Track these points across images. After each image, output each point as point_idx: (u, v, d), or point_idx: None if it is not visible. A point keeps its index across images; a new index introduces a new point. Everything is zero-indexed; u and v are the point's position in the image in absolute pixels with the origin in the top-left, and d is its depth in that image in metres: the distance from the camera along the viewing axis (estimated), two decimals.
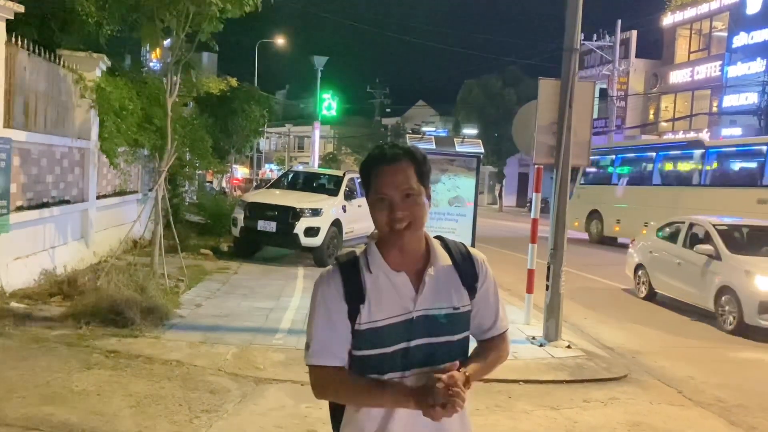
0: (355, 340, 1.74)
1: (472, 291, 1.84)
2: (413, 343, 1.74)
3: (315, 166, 30.08)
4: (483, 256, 1.91)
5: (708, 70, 30.73)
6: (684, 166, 17.71)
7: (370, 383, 1.73)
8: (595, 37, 34.83)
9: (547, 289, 7.55)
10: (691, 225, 10.27)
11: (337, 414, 1.88)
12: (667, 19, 33.94)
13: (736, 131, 27.70)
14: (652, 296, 11.00)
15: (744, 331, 8.62)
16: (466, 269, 1.84)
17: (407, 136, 9.81)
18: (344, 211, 12.76)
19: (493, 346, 1.93)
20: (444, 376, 1.65)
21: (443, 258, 1.82)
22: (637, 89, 34.82)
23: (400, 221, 1.72)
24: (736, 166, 16.47)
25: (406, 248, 1.78)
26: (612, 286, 12.71)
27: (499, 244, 18.44)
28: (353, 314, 1.73)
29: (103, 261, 9.20)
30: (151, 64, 17.51)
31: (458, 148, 8.89)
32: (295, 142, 66.60)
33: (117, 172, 10.69)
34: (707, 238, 9.55)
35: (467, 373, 1.72)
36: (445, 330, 1.78)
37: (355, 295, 1.74)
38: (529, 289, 8.34)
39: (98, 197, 10.39)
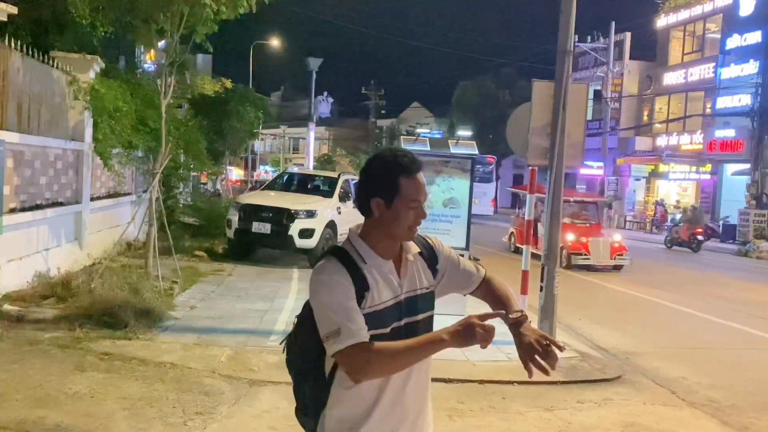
0: None
1: (435, 272, 2.09)
2: (402, 322, 1.95)
3: (310, 167, 30.09)
4: (436, 238, 2.17)
5: (701, 71, 30.85)
6: None
7: (406, 341, 1.86)
8: (589, 38, 34.93)
9: (541, 290, 7.57)
10: None
11: (316, 397, 1.97)
12: (661, 21, 34.06)
13: (730, 132, 27.83)
14: None
15: None
16: (428, 253, 2.10)
17: (402, 137, 9.80)
18: (339, 212, 12.75)
19: (492, 285, 2.17)
20: (484, 323, 1.78)
21: (413, 247, 2.05)
22: (631, 91, 34.93)
23: (421, 223, 1.96)
24: None
25: (397, 243, 2.00)
26: (607, 287, 12.75)
27: (494, 245, 18.49)
28: (359, 300, 1.88)
29: (97, 263, 9.17)
30: (145, 66, 17.48)
31: (453, 150, 8.88)
32: (290, 144, 66.54)
33: (111, 174, 10.65)
34: None
35: (520, 310, 1.98)
36: (422, 308, 2.02)
37: (361, 284, 1.89)
38: (524, 291, 8.35)
39: (92, 199, 10.36)
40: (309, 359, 1.97)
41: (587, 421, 5.34)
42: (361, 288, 1.88)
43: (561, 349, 1.81)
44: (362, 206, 1.96)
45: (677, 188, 33.84)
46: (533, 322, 7.94)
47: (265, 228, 11.89)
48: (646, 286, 12.98)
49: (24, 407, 4.59)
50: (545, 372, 1.80)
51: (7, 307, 6.87)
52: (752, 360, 8.01)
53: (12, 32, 7.67)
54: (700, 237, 21.77)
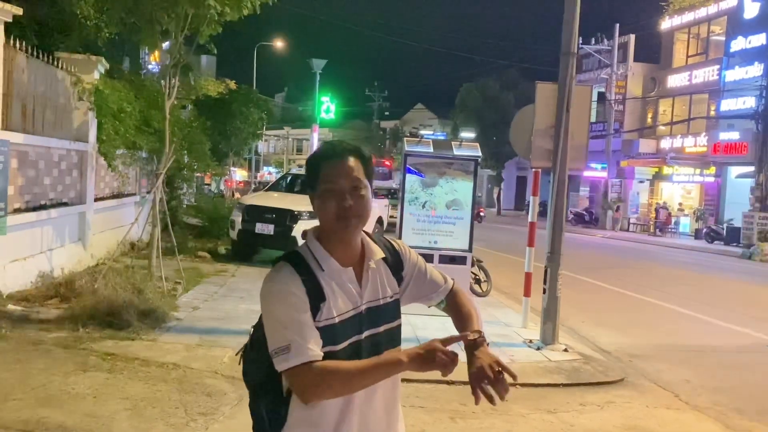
0: None
1: (399, 278, 1.94)
2: (364, 335, 1.80)
3: None
4: (402, 242, 2.03)
5: (706, 74, 30.80)
6: None
7: (361, 362, 1.72)
8: (593, 40, 34.93)
9: (544, 292, 7.56)
10: None
11: (275, 414, 1.81)
12: (665, 23, 34.03)
13: (734, 135, 27.77)
14: None
15: None
16: (393, 259, 1.94)
17: (405, 139, 9.79)
18: None
19: (457, 300, 2.03)
20: (446, 350, 1.65)
21: (377, 251, 1.89)
22: (636, 93, 34.89)
23: (348, 211, 1.76)
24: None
25: (350, 243, 1.83)
26: (610, 289, 12.73)
27: (497, 247, 18.47)
28: (314, 312, 1.73)
29: (101, 263, 9.19)
30: (149, 67, 17.51)
31: (456, 152, 8.87)
32: (293, 145, 66.62)
33: (115, 175, 10.69)
34: None
35: (479, 330, 1.81)
36: (385, 318, 1.87)
37: (316, 294, 1.74)
38: (527, 293, 8.35)
39: (96, 199, 10.39)
40: (265, 373, 1.80)
41: (590, 423, 5.33)
42: (316, 299, 1.73)
43: (514, 377, 1.67)
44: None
45: (681, 191, 33.79)
46: (536, 323, 7.95)
47: (268, 229, 11.89)
48: (649, 288, 12.95)
49: (27, 407, 4.60)
50: (491, 401, 1.65)
51: (10, 307, 6.89)
52: (756, 363, 7.99)
53: (17, 33, 7.68)
54: None
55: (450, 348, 1.65)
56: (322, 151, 1.84)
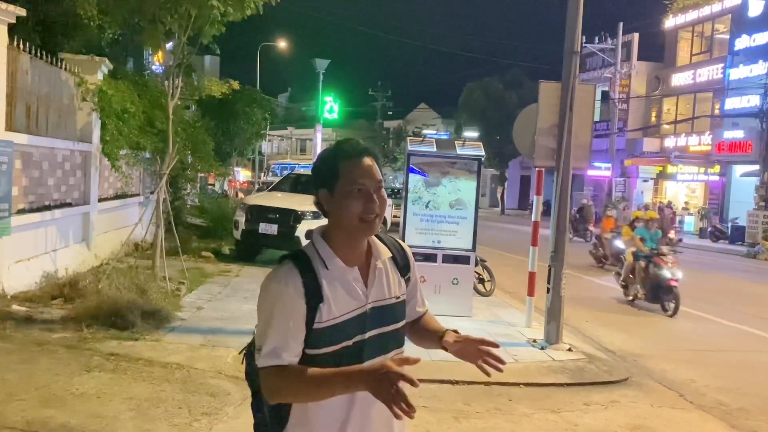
0: (315, 338, 1.73)
1: (407, 280, 1.95)
2: (368, 334, 1.79)
3: None
4: (408, 246, 2.04)
5: (710, 72, 30.72)
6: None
7: (322, 373, 1.68)
8: (597, 39, 34.82)
9: (548, 291, 7.55)
10: None
11: (276, 414, 1.84)
12: (669, 22, 33.94)
13: (738, 134, 27.69)
14: None
15: None
16: (401, 260, 1.95)
17: (408, 138, 9.79)
18: None
19: (428, 317, 2.06)
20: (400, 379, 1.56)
21: (384, 251, 1.88)
22: (639, 92, 34.79)
23: (374, 212, 1.76)
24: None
25: (359, 243, 1.82)
26: (614, 288, 12.69)
27: (501, 246, 18.43)
28: (312, 314, 1.73)
29: (105, 264, 9.21)
30: (153, 68, 17.53)
31: (459, 151, 8.85)
32: (297, 145, 66.64)
33: (118, 175, 10.68)
34: None
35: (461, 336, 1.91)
36: (392, 319, 1.85)
37: (314, 294, 1.73)
38: (530, 292, 8.34)
39: (100, 200, 10.40)
40: None
41: (594, 423, 5.32)
42: (314, 300, 1.72)
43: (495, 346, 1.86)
44: (317, 205, 1.83)
45: (685, 190, 33.71)
46: (540, 323, 7.95)
47: (272, 229, 11.90)
48: None
49: (31, 407, 4.61)
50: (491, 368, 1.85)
51: (15, 307, 6.90)
52: (760, 363, 7.96)
53: (21, 34, 7.70)
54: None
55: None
56: (341, 149, 1.80)
